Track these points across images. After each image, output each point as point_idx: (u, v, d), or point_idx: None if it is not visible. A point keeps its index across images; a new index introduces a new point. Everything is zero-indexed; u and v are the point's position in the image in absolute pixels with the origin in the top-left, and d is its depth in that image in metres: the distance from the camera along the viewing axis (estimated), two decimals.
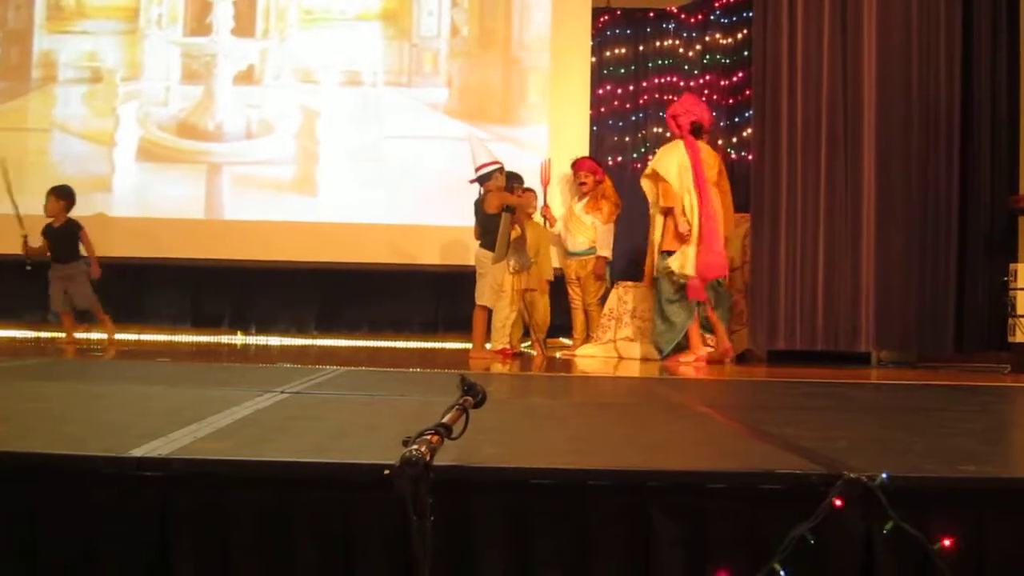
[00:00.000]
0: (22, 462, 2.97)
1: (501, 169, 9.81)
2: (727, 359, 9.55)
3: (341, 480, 2.92)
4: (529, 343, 10.75)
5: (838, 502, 2.81)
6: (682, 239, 9.42)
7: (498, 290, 9.74)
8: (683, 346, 9.57)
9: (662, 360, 9.52)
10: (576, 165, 11.08)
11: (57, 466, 2.96)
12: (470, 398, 2.81)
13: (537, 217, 10.90)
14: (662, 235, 9.56)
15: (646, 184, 9.73)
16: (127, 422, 3.82)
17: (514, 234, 9.87)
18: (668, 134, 10.23)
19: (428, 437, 2.32)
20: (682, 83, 13.08)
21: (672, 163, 9.57)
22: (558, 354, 10.56)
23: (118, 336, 11.09)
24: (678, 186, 9.48)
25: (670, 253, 9.47)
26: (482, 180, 9.81)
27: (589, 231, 10.96)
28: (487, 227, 9.75)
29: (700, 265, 9.34)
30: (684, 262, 9.43)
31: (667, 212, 9.51)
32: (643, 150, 12.77)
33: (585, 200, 11.01)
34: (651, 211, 9.79)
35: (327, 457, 3.10)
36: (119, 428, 3.66)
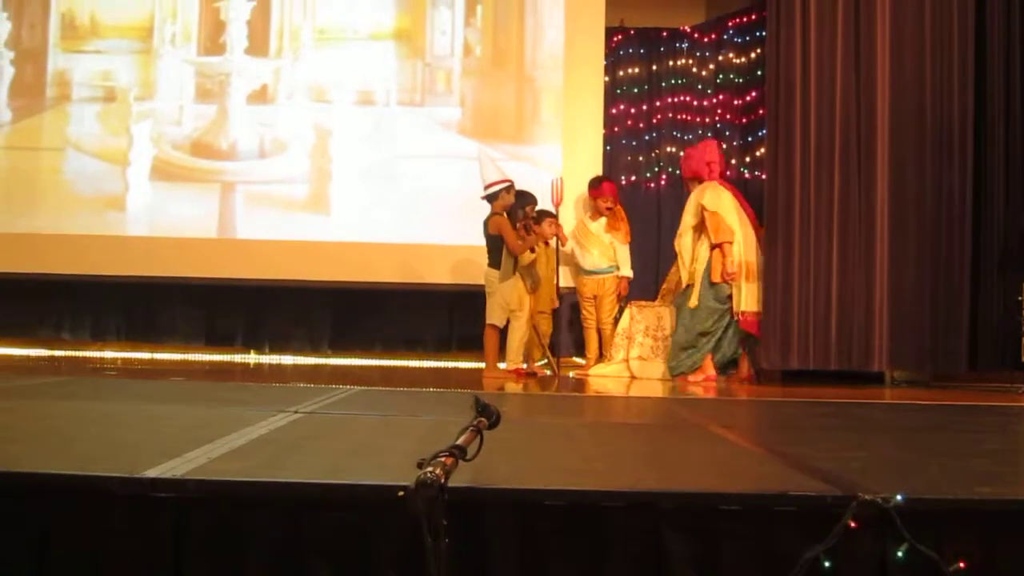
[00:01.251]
0: (36, 482, 2.98)
1: (508, 188, 9.82)
2: (747, 382, 9.66)
3: (356, 501, 2.92)
4: (545, 362, 10.74)
5: (853, 524, 2.81)
6: (733, 276, 9.73)
7: (508, 308, 9.74)
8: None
9: (673, 379, 9.62)
10: (601, 188, 11.07)
11: (71, 486, 2.96)
12: (484, 419, 2.80)
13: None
14: (710, 268, 9.79)
15: (709, 219, 9.90)
16: (141, 442, 3.83)
17: (531, 257, 9.90)
18: (695, 180, 10.36)
19: (443, 459, 2.32)
20: (695, 102, 13.07)
21: (725, 200, 9.94)
22: (571, 374, 10.54)
23: (131, 355, 11.09)
24: (731, 223, 9.84)
25: (715, 285, 9.77)
26: (490, 199, 9.83)
27: (608, 250, 10.96)
28: (494, 246, 9.76)
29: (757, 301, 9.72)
30: (740, 298, 9.76)
31: (717, 247, 9.76)
32: (656, 169, 12.74)
33: (604, 220, 11.02)
34: (686, 242, 10.07)
35: (342, 478, 3.10)
36: (133, 448, 3.67)
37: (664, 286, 10.69)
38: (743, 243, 9.84)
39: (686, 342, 9.80)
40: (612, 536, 2.91)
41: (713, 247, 9.76)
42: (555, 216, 10.61)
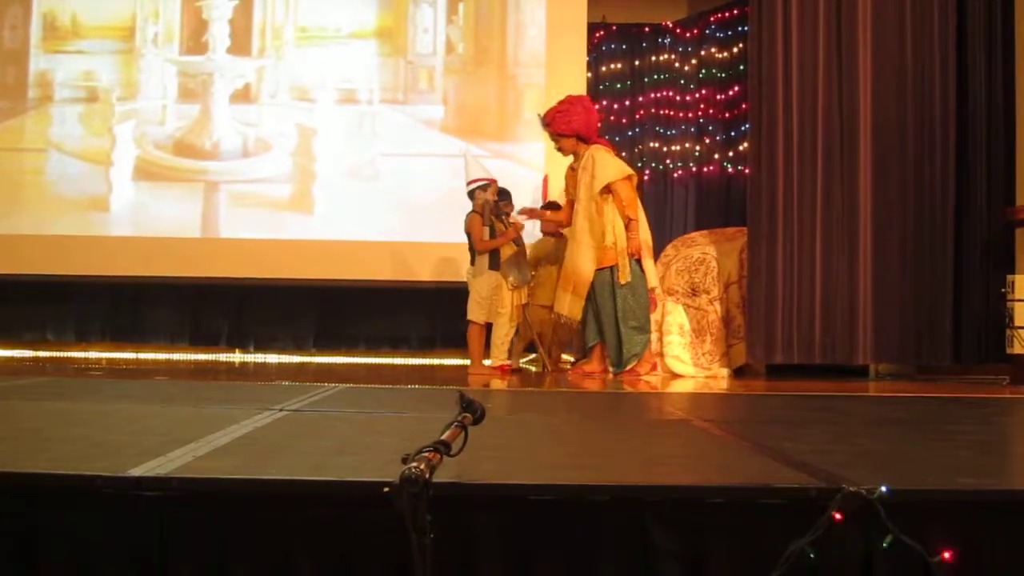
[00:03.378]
0: (21, 482, 2.97)
1: (484, 186, 9.76)
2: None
3: (340, 498, 2.92)
4: (531, 358, 10.72)
5: (837, 516, 2.82)
6: (640, 251, 9.43)
7: (486, 304, 9.72)
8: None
9: (621, 373, 9.36)
10: None
11: (56, 486, 2.96)
12: (469, 415, 2.80)
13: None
14: (626, 242, 9.37)
15: (623, 188, 9.43)
16: (126, 441, 3.82)
17: (511, 251, 9.87)
18: (574, 139, 9.62)
19: (427, 455, 2.32)
20: (678, 97, 13.11)
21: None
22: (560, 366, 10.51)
23: (116, 355, 11.08)
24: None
25: (638, 262, 9.44)
26: (470, 196, 9.82)
27: None
28: (471, 243, 9.77)
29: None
30: (651, 274, 9.54)
31: (630, 221, 9.40)
32: (640, 165, 12.76)
33: None
34: (590, 215, 9.43)
35: (326, 475, 3.10)
36: (118, 447, 3.66)
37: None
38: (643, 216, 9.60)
39: (641, 321, 9.42)
40: (597, 531, 2.92)
41: (628, 220, 9.40)
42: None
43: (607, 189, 9.34)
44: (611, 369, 9.48)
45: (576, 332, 10.22)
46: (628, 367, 9.33)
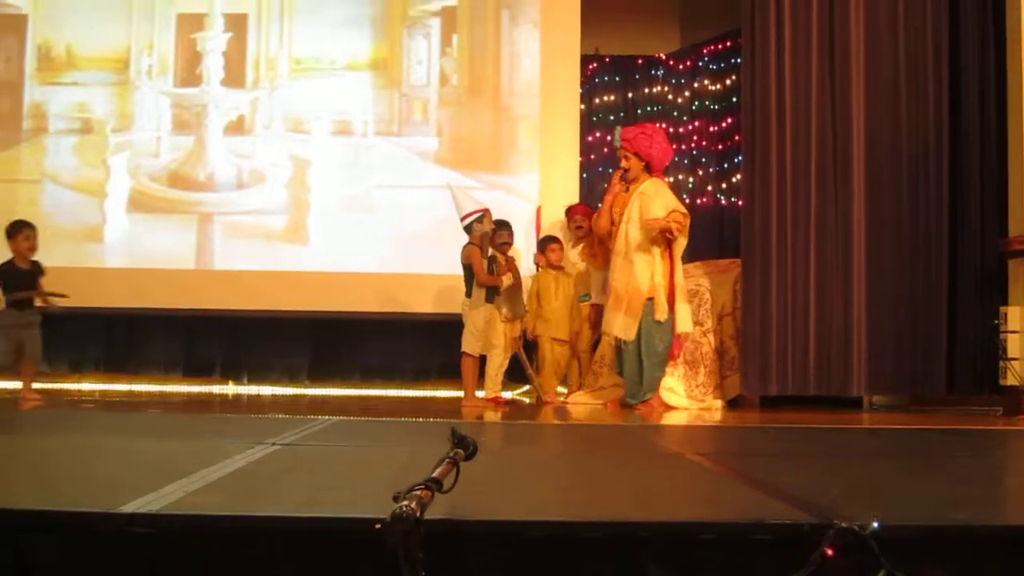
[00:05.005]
0: (11, 518, 2.96)
1: (480, 218, 9.76)
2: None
3: (332, 534, 2.91)
4: (524, 390, 10.71)
5: (830, 552, 2.81)
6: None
7: (481, 336, 9.72)
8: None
9: (638, 405, 9.27)
10: (571, 211, 11.00)
11: (47, 522, 2.95)
12: (461, 451, 2.80)
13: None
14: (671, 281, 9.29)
15: (681, 221, 9.25)
16: (118, 476, 3.82)
17: (507, 281, 9.87)
18: (647, 169, 9.55)
19: (418, 492, 2.32)
20: (671, 129, 13.12)
21: None
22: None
23: (110, 387, 11.05)
24: None
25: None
26: (467, 229, 9.80)
27: (584, 278, 10.86)
28: (467, 275, 9.76)
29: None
30: (685, 318, 9.39)
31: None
32: None
33: (580, 247, 10.95)
34: (647, 237, 9.26)
35: (319, 511, 3.10)
36: (110, 482, 3.66)
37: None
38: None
39: (662, 359, 9.36)
40: (590, 567, 2.91)
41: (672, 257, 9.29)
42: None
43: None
44: (628, 400, 9.38)
45: (569, 364, 10.27)
46: (646, 399, 9.28)
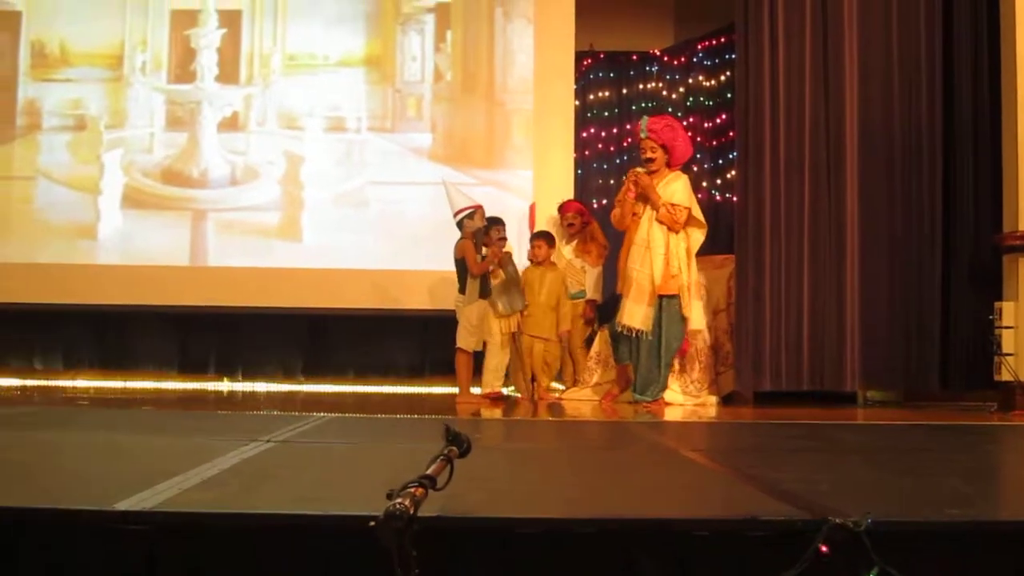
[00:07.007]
0: (5, 515, 2.96)
1: (471, 214, 9.75)
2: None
3: (326, 532, 2.91)
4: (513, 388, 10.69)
5: (823, 548, 2.81)
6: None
7: (475, 332, 9.70)
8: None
9: (651, 403, 9.27)
10: (563, 208, 11.01)
11: (41, 520, 2.95)
12: (455, 448, 2.80)
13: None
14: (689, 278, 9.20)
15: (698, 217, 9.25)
16: (112, 473, 3.81)
17: (500, 278, 9.86)
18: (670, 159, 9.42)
19: (412, 490, 2.31)
20: None
21: None
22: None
23: (104, 384, 11.03)
24: None
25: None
26: (460, 225, 9.79)
27: (579, 274, 10.83)
28: (460, 270, 9.75)
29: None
30: (699, 316, 9.33)
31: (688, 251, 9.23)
32: None
33: (574, 243, 10.95)
34: (658, 248, 9.13)
35: (312, 509, 3.10)
36: (104, 480, 3.66)
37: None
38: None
39: (673, 356, 9.31)
40: (584, 564, 2.91)
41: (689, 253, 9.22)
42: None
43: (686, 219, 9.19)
44: (635, 395, 9.30)
45: (564, 361, 10.25)
46: (658, 398, 9.21)
